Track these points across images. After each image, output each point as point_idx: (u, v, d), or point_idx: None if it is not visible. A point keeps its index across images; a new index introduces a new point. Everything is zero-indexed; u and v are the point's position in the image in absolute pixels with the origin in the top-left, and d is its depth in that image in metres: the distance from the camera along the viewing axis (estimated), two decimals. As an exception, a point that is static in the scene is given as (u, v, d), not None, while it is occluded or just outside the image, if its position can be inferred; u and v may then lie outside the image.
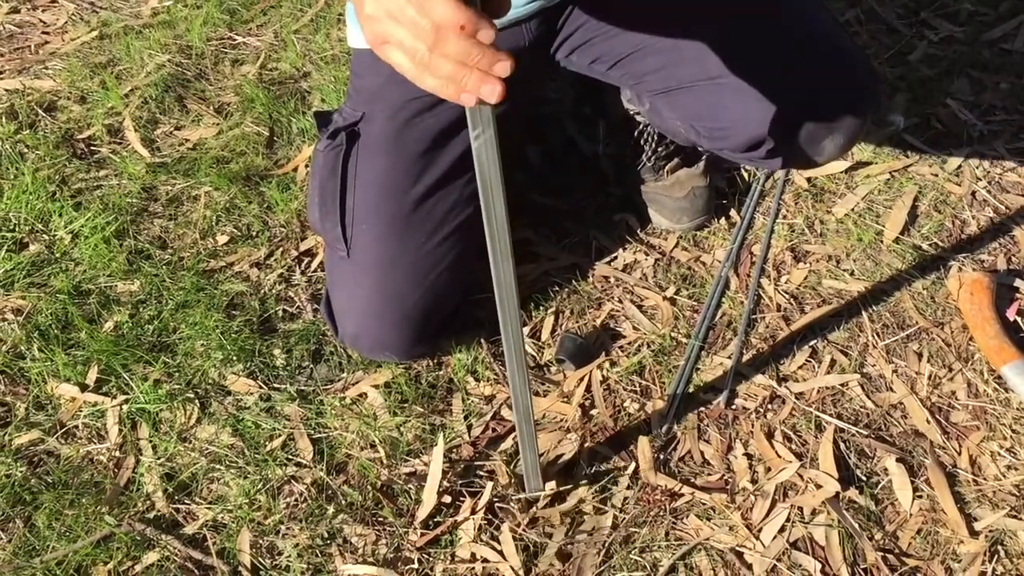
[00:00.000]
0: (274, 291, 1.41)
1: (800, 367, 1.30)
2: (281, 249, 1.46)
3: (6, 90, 1.75)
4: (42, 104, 1.72)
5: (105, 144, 1.64)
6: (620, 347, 1.33)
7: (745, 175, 1.53)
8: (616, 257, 1.44)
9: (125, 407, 1.28)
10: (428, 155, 1.23)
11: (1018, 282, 1.37)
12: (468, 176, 1.25)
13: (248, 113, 1.68)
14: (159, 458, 1.23)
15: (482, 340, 1.33)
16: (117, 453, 1.24)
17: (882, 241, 1.44)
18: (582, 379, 1.29)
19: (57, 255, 1.47)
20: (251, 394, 1.29)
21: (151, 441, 1.25)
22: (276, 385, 1.30)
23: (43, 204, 1.53)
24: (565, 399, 1.27)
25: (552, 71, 1.34)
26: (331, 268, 1.29)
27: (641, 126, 1.43)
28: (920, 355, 1.30)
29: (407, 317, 1.23)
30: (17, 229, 1.50)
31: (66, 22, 1.91)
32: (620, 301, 1.38)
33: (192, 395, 1.29)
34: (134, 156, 1.62)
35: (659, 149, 1.43)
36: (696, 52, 1.15)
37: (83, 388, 1.30)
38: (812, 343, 1.32)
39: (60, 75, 1.78)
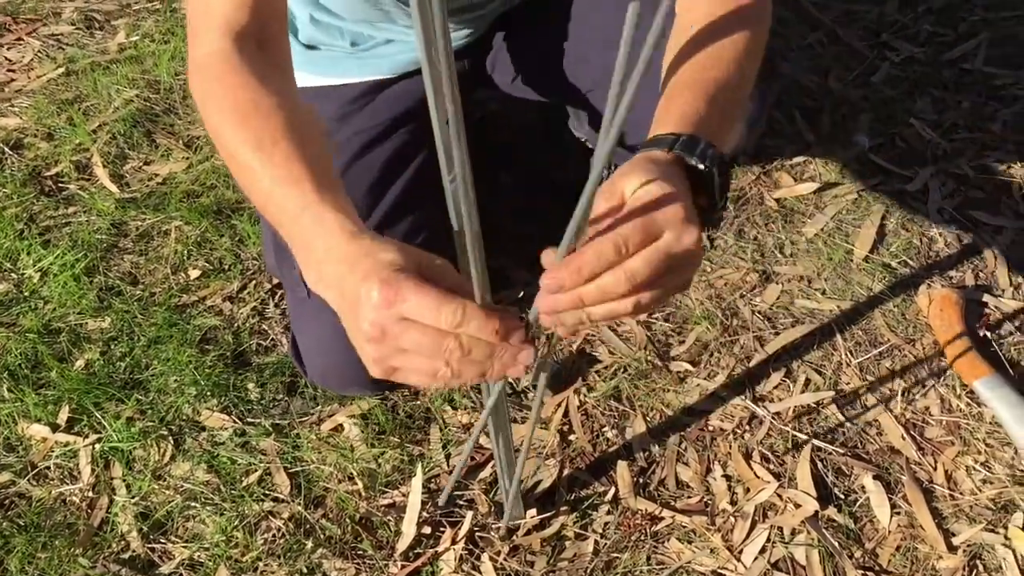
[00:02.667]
0: (248, 324, 1.40)
1: (775, 387, 1.30)
2: (254, 282, 1.46)
3: (-29, 128, 1.74)
4: (8, 142, 1.70)
5: (73, 180, 1.63)
6: (596, 372, 1.33)
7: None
8: (590, 282, 1.45)
9: (98, 446, 1.26)
10: (377, 188, 1.23)
11: (987, 297, 1.39)
12: (418, 206, 1.25)
13: (218, 146, 1.67)
14: (133, 497, 1.21)
15: (458, 368, 1.32)
16: (90, 493, 1.22)
17: (852, 260, 1.46)
18: (559, 405, 1.29)
19: (26, 294, 1.45)
20: (226, 429, 1.27)
21: (125, 480, 1.23)
22: (251, 419, 1.29)
23: (11, 243, 1.52)
24: (543, 425, 1.27)
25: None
26: (293, 310, 1.28)
27: (594, 151, 1.45)
28: (893, 372, 1.31)
29: None
30: (-16, 268, 1.49)
31: (32, 59, 1.90)
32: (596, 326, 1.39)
33: (166, 432, 1.27)
34: (103, 192, 1.61)
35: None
36: (601, 54, 1.18)
37: (54, 428, 1.28)
38: (787, 363, 1.33)
39: (27, 112, 1.76)
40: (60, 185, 1.63)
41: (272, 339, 1.38)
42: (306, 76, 1.30)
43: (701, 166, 0.72)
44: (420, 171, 1.26)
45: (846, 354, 1.34)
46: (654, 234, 0.65)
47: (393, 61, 1.26)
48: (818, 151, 1.62)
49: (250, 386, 1.32)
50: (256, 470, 1.23)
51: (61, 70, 1.86)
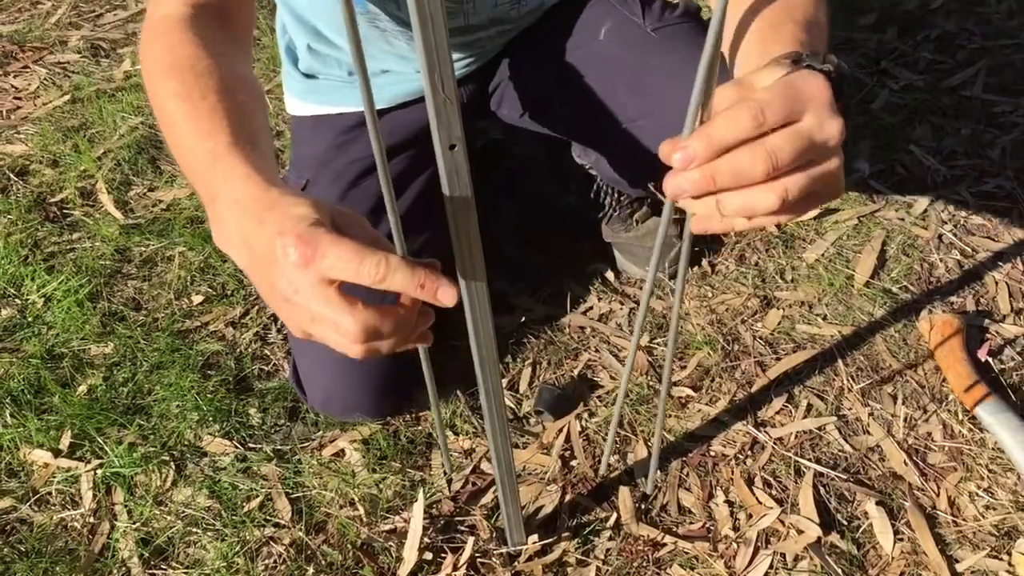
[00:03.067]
0: (250, 350, 1.40)
1: (777, 412, 1.30)
2: (257, 307, 1.46)
3: (-23, 155, 1.75)
4: (14, 169, 1.72)
5: (78, 207, 1.64)
6: (598, 397, 1.33)
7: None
8: (591, 307, 1.45)
9: (99, 472, 1.26)
10: (375, 215, 1.24)
11: (987, 323, 1.40)
12: (416, 232, 1.26)
13: (222, 173, 1.68)
14: (134, 523, 1.21)
15: (459, 393, 1.33)
16: (91, 519, 1.22)
17: (853, 285, 1.46)
18: (561, 430, 1.29)
19: (30, 319, 1.46)
20: (227, 454, 1.27)
21: (126, 505, 1.23)
22: (252, 445, 1.29)
23: (15, 268, 1.53)
24: (545, 451, 1.27)
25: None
26: (294, 336, 1.28)
27: (598, 179, 1.46)
28: (895, 397, 1.31)
29: (372, 376, 1.23)
30: (-12, 294, 1.49)
31: (38, 87, 1.92)
32: (597, 351, 1.39)
33: (167, 457, 1.27)
34: (107, 218, 1.62)
35: (621, 199, 1.45)
36: (610, 96, 1.18)
37: (56, 453, 1.28)
38: (788, 388, 1.33)
39: (32, 139, 1.78)
40: (65, 211, 1.64)
41: (274, 364, 1.38)
42: (304, 105, 1.31)
43: (832, 70, 0.63)
44: (419, 198, 1.27)
45: (848, 379, 1.34)
46: (795, 112, 0.56)
47: (389, 91, 1.28)
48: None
49: (252, 411, 1.32)
50: (257, 495, 1.23)
51: (67, 97, 1.88)
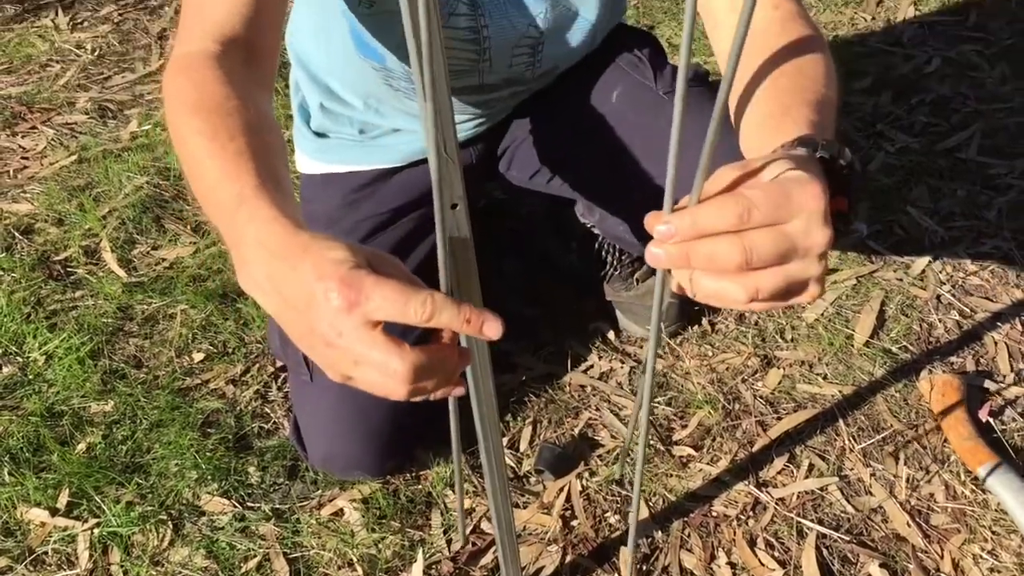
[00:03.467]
0: (250, 407, 1.40)
1: (779, 472, 1.30)
2: (258, 365, 1.46)
3: (-16, 214, 1.77)
4: (19, 227, 1.73)
5: (82, 265, 1.65)
6: (599, 456, 1.33)
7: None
8: (592, 366, 1.45)
9: (96, 531, 1.25)
10: None
11: (988, 383, 1.40)
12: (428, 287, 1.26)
13: (225, 232, 1.70)
14: (130, 583, 1.20)
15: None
16: (87, 579, 1.21)
17: (853, 345, 1.46)
18: (562, 489, 1.28)
19: (30, 377, 1.46)
20: (225, 514, 1.26)
21: (123, 566, 1.22)
22: (251, 504, 1.28)
23: (17, 326, 1.53)
24: (545, 510, 1.26)
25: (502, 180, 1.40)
26: (296, 393, 1.29)
27: (600, 238, 1.47)
28: (897, 458, 1.31)
29: (374, 433, 1.23)
30: (-10, 351, 1.50)
31: (45, 147, 1.95)
32: (597, 409, 1.39)
33: (165, 516, 1.26)
34: (110, 276, 1.63)
35: (623, 258, 1.47)
36: (627, 158, 1.19)
37: (53, 512, 1.27)
38: (790, 448, 1.33)
39: (38, 199, 1.80)
40: (68, 269, 1.65)
41: (274, 422, 1.38)
42: (315, 163, 1.33)
43: (843, 164, 0.66)
44: (428, 258, 1.28)
45: (849, 439, 1.33)
46: (783, 216, 0.57)
47: (400, 151, 1.29)
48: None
49: (251, 470, 1.32)
50: (255, 556, 1.22)
51: (74, 157, 1.90)
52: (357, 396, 1.21)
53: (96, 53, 2.21)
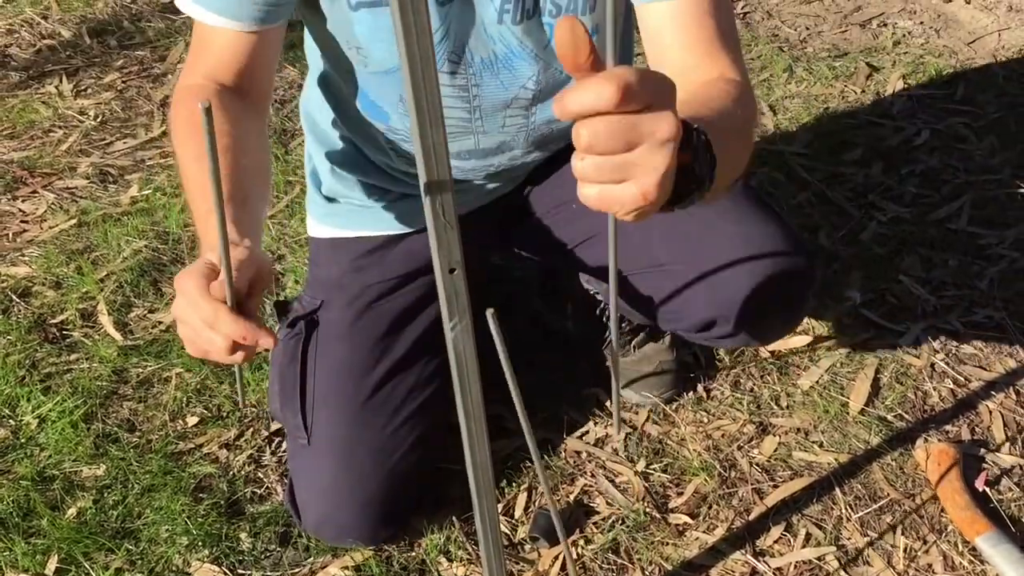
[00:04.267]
0: (243, 472, 1.39)
1: (776, 541, 1.29)
2: (252, 429, 1.46)
3: (-19, 276, 1.78)
4: (16, 290, 1.74)
5: (78, 328, 1.66)
6: (594, 523, 1.31)
7: (714, 351, 1.57)
8: (587, 431, 1.45)
9: (84, 598, 1.23)
10: (386, 339, 1.26)
11: (983, 452, 1.39)
12: (427, 358, 1.27)
13: (222, 296, 1.70)
14: (117, 652, 1.17)
15: (454, 518, 1.31)
16: (73, 648, 1.18)
17: (848, 413, 1.46)
18: (557, 557, 1.27)
19: (22, 440, 1.45)
20: (216, 581, 1.25)
21: (109, 634, 1.20)
22: (242, 571, 1.26)
23: (11, 389, 1.53)
24: (540, 579, 1.24)
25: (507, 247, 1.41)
26: (292, 457, 1.28)
27: (602, 304, 1.48)
28: (894, 527, 1.30)
29: (370, 502, 1.22)
30: (-17, 414, 1.49)
31: (45, 211, 1.96)
32: (593, 476, 1.38)
33: (155, 583, 1.25)
34: (106, 339, 1.63)
35: (623, 325, 1.47)
36: (641, 240, 1.20)
37: (41, 578, 1.26)
38: (787, 516, 1.32)
39: (36, 262, 1.81)
40: (64, 332, 1.65)
41: (267, 487, 1.37)
42: (324, 228, 1.35)
43: (696, 128, 0.71)
44: (434, 323, 1.28)
45: (846, 508, 1.33)
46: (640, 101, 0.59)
47: (408, 217, 1.31)
48: (810, 306, 1.65)
49: (243, 536, 1.30)
50: (245, 624, 1.20)
51: (73, 221, 1.92)
52: (356, 463, 1.21)
53: (99, 119, 2.24)
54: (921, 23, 2.50)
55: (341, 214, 1.33)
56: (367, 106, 1.18)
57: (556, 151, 1.28)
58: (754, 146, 0.94)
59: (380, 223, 1.31)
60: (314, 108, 1.30)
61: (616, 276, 0.72)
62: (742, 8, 2.63)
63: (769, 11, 2.61)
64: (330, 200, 1.34)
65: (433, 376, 1.27)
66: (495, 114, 1.16)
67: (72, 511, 1.34)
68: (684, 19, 1.00)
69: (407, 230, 1.32)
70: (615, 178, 0.61)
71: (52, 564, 1.27)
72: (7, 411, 1.50)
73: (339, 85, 1.21)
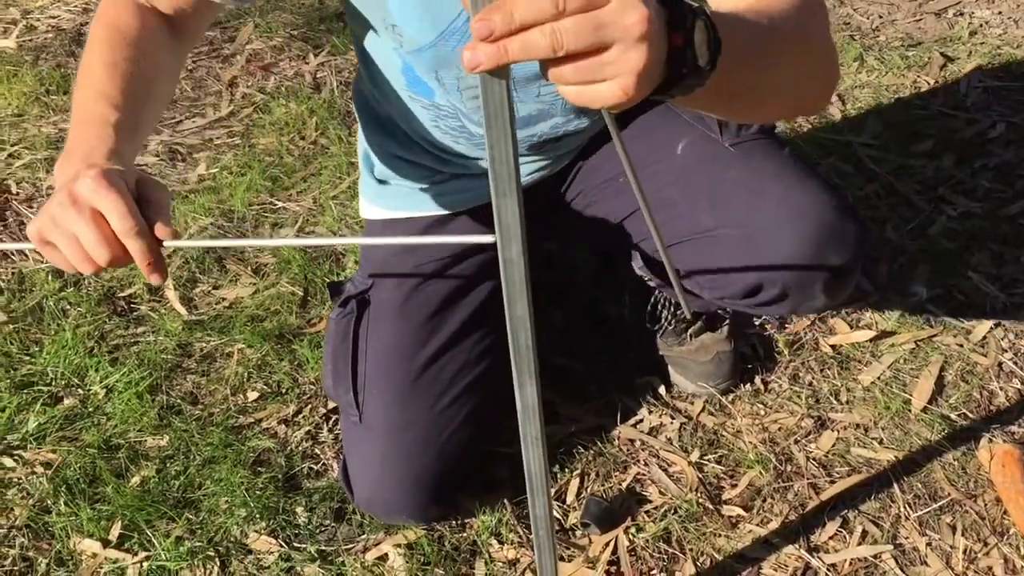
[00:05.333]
0: (301, 448, 1.42)
1: (831, 537, 1.27)
2: (310, 406, 1.48)
3: (55, 249, 1.83)
4: (88, 263, 1.78)
5: (145, 302, 1.70)
6: (646, 512, 1.31)
7: (773, 342, 1.55)
8: (641, 420, 1.45)
9: (146, 564, 1.27)
10: (435, 319, 1.27)
11: (1051, 454, 1.36)
12: (476, 336, 1.28)
13: (284, 274, 1.73)
14: (176, 618, 1.21)
15: (506, 501, 1.32)
16: (134, 612, 1.22)
17: (910, 410, 1.43)
18: (608, 544, 1.27)
19: (90, 409, 1.49)
20: (271, 553, 1.27)
21: (169, 600, 1.23)
22: (297, 544, 1.29)
23: (80, 359, 1.57)
24: (590, 564, 1.25)
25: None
26: (346, 433, 1.30)
27: (656, 291, 1.47)
28: (954, 528, 1.27)
29: (419, 479, 1.23)
30: (53, 383, 1.54)
31: (117, 187, 2.01)
32: (646, 465, 1.38)
33: (213, 553, 1.28)
34: (172, 314, 1.67)
35: (677, 312, 1.46)
36: (688, 208, 1.20)
37: (105, 544, 1.29)
38: (843, 513, 1.30)
39: (107, 236, 1.85)
40: (132, 306, 1.70)
41: (323, 463, 1.39)
42: (377, 209, 1.36)
43: (689, 7, 0.67)
44: (484, 303, 1.29)
45: (904, 507, 1.30)
46: (598, 4, 0.59)
47: (458, 197, 1.32)
48: (875, 300, 1.62)
49: (299, 510, 1.33)
50: (299, 596, 1.22)
51: (143, 198, 1.96)
52: (405, 442, 1.22)
53: (169, 98, 2.29)
54: (999, 13, 2.42)
55: (392, 196, 1.35)
56: (412, 82, 1.18)
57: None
58: (829, 58, 0.90)
59: (430, 204, 1.33)
60: (365, 88, 1.32)
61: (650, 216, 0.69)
62: (813, -5, 2.58)
63: (841, -2, 2.56)
64: (381, 182, 1.36)
65: (483, 355, 1.28)
66: (528, 85, 1.16)
67: (136, 479, 1.38)
68: None
69: (456, 210, 1.33)
70: (593, 79, 0.61)
71: (116, 530, 1.31)
72: (76, 380, 1.54)
73: (384, 64, 1.22)
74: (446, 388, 1.25)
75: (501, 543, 1.28)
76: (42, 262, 1.79)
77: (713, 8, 0.82)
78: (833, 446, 1.39)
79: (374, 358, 1.26)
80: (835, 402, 1.46)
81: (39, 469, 1.40)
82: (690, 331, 1.47)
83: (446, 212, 1.33)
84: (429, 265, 1.30)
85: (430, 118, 1.22)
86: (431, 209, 1.33)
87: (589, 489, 1.35)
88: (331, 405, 1.48)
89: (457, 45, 1.10)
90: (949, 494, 1.31)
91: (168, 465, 1.40)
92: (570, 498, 1.34)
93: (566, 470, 1.37)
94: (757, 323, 1.59)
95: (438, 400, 1.25)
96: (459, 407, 1.25)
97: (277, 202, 1.93)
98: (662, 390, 1.49)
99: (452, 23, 1.09)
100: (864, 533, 1.27)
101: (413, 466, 1.23)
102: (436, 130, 1.24)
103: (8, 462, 1.42)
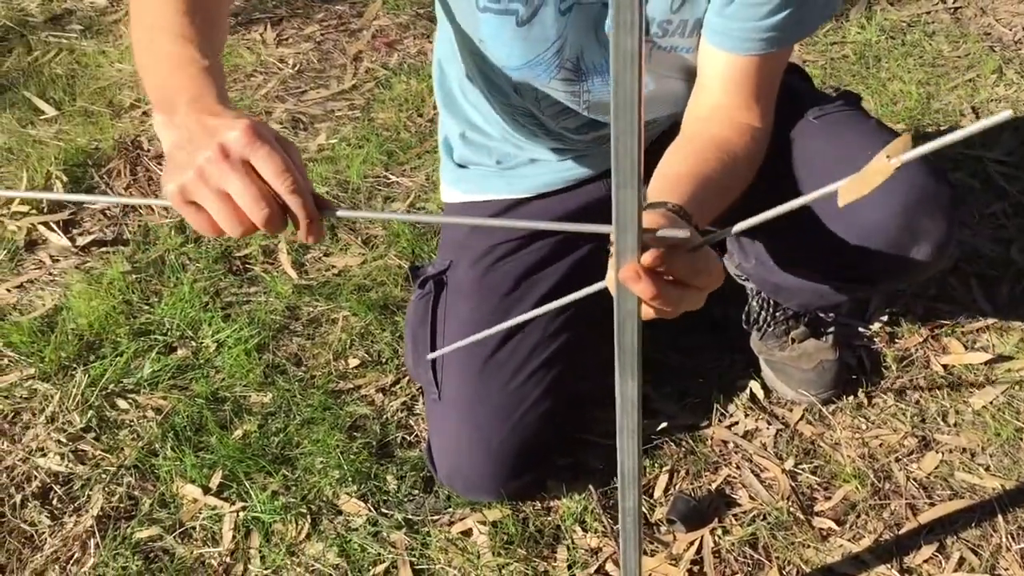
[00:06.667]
0: (396, 417, 1.45)
1: (926, 560, 1.23)
2: (407, 378, 1.51)
3: (179, 206, 1.90)
4: (209, 221, 1.85)
5: (259, 263, 1.75)
6: (734, 515, 1.29)
7: (881, 357, 1.50)
8: (737, 422, 1.43)
9: (242, 514, 1.31)
10: (511, 297, 1.29)
11: None
12: (552, 313, 1.28)
13: (393, 247, 1.77)
14: (267, 569, 1.25)
15: (592, 489, 1.32)
16: (228, 559, 1.27)
17: (1022, 439, 1.37)
18: (692, 543, 1.26)
19: (201, 361, 1.55)
20: (360, 516, 1.31)
21: (261, 551, 1.27)
22: (385, 510, 1.31)
23: (196, 313, 1.64)
24: (673, 562, 1.24)
25: None
26: (428, 411, 1.33)
27: (753, 292, 1.44)
28: (1059, 565, 1.22)
29: (494, 455, 1.25)
30: (169, 334, 1.60)
31: (241, 150, 2.08)
32: (738, 468, 1.36)
33: (305, 510, 1.32)
34: (283, 277, 1.72)
35: (777, 314, 1.43)
36: (775, 183, 1.17)
37: (206, 491, 1.35)
38: (940, 537, 1.26)
39: (228, 197, 1.92)
40: (247, 266, 1.76)
41: (416, 435, 1.42)
42: (455, 192, 1.41)
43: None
44: (558, 283, 1.30)
45: (1007, 538, 1.25)
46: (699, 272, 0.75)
47: (534, 181, 1.35)
48: (994, 322, 1.55)
49: (389, 477, 1.36)
50: (384, 561, 1.25)
51: (264, 163, 2.02)
52: (480, 417, 1.24)
53: (296, 68, 2.36)
54: None
55: (470, 179, 1.38)
56: (489, 87, 1.23)
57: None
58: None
59: (507, 187, 1.36)
60: (444, 76, 1.36)
61: None
62: (954, 2, 2.48)
63: (983, 8, 2.45)
64: (461, 167, 1.39)
65: (559, 332, 1.29)
66: (605, 113, 1.20)
67: (239, 432, 1.43)
68: (736, 72, 1.09)
69: (533, 193, 1.35)
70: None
71: (216, 479, 1.36)
72: (190, 333, 1.61)
73: (464, 54, 1.24)
74: (522, 364, 1.26)
75: (585, 530, 1.28)
76: (168, 216, 1.86)
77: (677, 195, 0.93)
78: (936, 468, 1.34)
79: (452, 336, 1.28)
80: (942, 423, 1.41)
81: (150, 414, 1.47)
82: (792, 336, 1.44)
83: (523, 195, 1.35)
84: (504, 245, 1.32)
85: (507, 113, 1.26)
86: (508, 192, 1.36)
87: (678, 486, 1.34)
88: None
89: (542, 75, 1.13)
90: (1057, 530, 1.26)
91: (269, 422, 1.45)
92: (657, 493, 1.33)
93: (656, 465, 1.37)
94: (867, 335, 1.54)
95: (514, 376, 1.26)
96: (535, 383, 1.26)
97: (391, 176, 1.97)
98: (760, 394, 1.46)
99: (540, 55, 1.12)
100: (961, 560, 1.23)
101: (487, 443, 1.24)
102: (512, 122, 1.27)
103: (123, 404, 1.49)
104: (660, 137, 1.32)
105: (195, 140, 0.76)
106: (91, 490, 1.36)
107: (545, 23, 1.09)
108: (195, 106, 0.79)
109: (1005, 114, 0.54)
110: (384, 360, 1.55)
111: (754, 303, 1.45)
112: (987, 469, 1.34)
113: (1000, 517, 1.28)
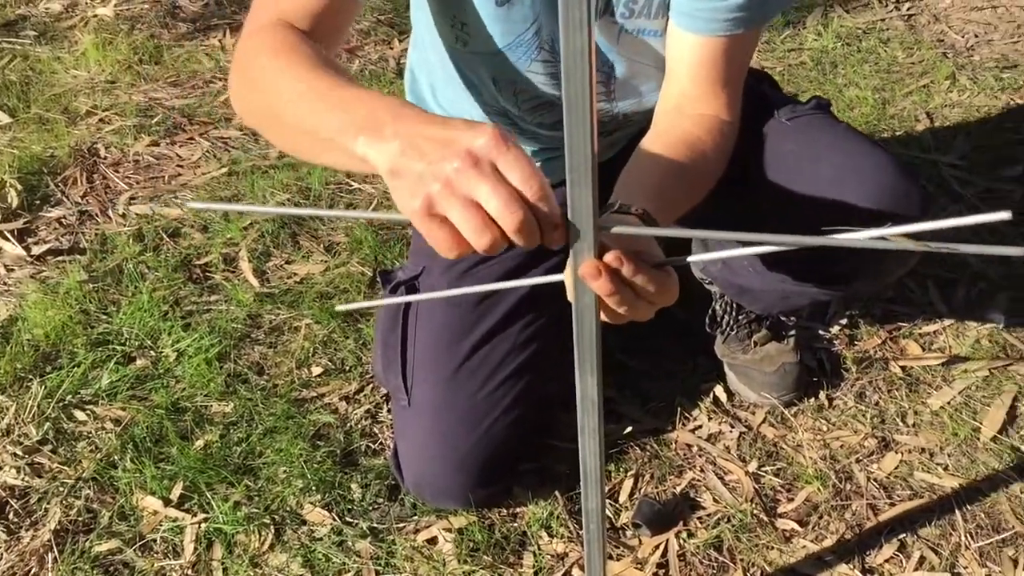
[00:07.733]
0: (360, 426, 1.44)
1: (887, 560, 1.24)
2: (371, 385, 1.50)
3: (137, 214, 1.88)
4: (167, 230, 1.83)
5: (219, 271, 1.74)
6: (699, 518, 1.30)
7: (840, 359, 1.52)
8: (701, 426, 1.43)
9: (203, 526, 1.30)
10: (483, 304, 1.28)
11: (1125, 495, 1.31)
12: (524, 322, 1.29)
13: (355, 254, 1.76)
14: (229, 580, 1.23)
15: (558, 495, 1.32)
16: (190, 571, 1.25)
17: (979, 438, 1.40)
18: (658, 547, 1.26)
19: (161, 371, 1.53)
20: (325, 525, 1.29)
21: (223, 563, 1.26)
22: (350, 519, 1.30)
23: (155, 322, 1.62)
24: (638, 565, 1.24)
25: None
26: (396, 418, 1.33)
27: (716, 296, 1.46)
28: (1016, 562, 1.24)
29: (462, 464, 1.25)
30: (128, 343, 1.58)
31: (200, 157, 2.06)
32: (702, 471, 1.37)
33: (268, 520, 1.30)
34: (244, 285, 1.70)
35: (740, 317, 1.44)
36: (757, 188, 1.19)
37: (166, 503, 1.33)
38: (901, 536, 1.27)
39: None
40: (207, 274, 1.74)
41: (381, 443, 1.41)
42: None
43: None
44: (531, 290, 1.30)
45: (966, 536, 1.27)
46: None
47: None
48: (950, 323, 1.58)
49: (354, 486, 1.35)
50: (349, 571, 1.24)
51: (224, 170, 2.00)
52: (450, 424, 1.24)
53: (256, 75, 2.34)
54: (1103, 37, 2.35)
55: None
56: (461, 78, 1.23)
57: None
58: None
59: None
60: (417, 68, 1.35)
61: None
62: (908, 9, 2.52)
63: (936, 15, 2.50)
64: None
65: (530, 340, 1.29)
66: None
67: (200, 443, 1.41)
68: (703, 55, 1.09)
69: None
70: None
71: (177, 490, 1.34)
72: (149, 342, 1.59)
73: (439, 55, 1.24)
74: (492, 372, 1.26)
75: (551, 536, 1.28)
76: (125, 225, 1.84)
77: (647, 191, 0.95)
78: (896, 468, 1.36)
79: (422, 343, 1.28)
80: (901, 424, 1.43)
81: (108, 425, 1.44)
82: (755, 339, 1.46)
83: None
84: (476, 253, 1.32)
85: (481, 114, 1.26)
86: None
87: (643, 490, 1.34)
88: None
89: (523, 57, 1.13)
90: (1013, 527, 1.28)
91: (231, 431, 1.43)
92: (623, 498, 1.33)
93: (621, 469, 1.37)
94: (827, 338, 1.56)
95: (484, 384, 1.26)
96: (505, 391, 1.26)
97: (353, 183, 1.96)
98: (724, 397, 1.47)
99: (520, 36, 1.12)
100: (922, 559, 1.24)
101: (456, 450, 1.24)
102: (484, 118, 1.27)
103: (80, 415, 1.46)
104: (639, 135, 1.33)
105: (425, 150, 0.71)
106: (48, 503, 1.33)
107: (524, 2, 1.09)
108: (405, 114, 0.75)
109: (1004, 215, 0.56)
110: (347, 368, 1.54)
111: (718, 306, 1.47)
112: (945, 468, 1.36)
113: (959, 515, 1.30)
